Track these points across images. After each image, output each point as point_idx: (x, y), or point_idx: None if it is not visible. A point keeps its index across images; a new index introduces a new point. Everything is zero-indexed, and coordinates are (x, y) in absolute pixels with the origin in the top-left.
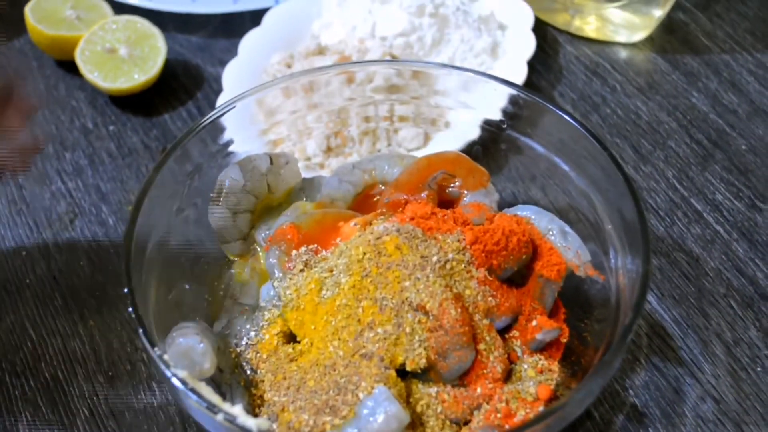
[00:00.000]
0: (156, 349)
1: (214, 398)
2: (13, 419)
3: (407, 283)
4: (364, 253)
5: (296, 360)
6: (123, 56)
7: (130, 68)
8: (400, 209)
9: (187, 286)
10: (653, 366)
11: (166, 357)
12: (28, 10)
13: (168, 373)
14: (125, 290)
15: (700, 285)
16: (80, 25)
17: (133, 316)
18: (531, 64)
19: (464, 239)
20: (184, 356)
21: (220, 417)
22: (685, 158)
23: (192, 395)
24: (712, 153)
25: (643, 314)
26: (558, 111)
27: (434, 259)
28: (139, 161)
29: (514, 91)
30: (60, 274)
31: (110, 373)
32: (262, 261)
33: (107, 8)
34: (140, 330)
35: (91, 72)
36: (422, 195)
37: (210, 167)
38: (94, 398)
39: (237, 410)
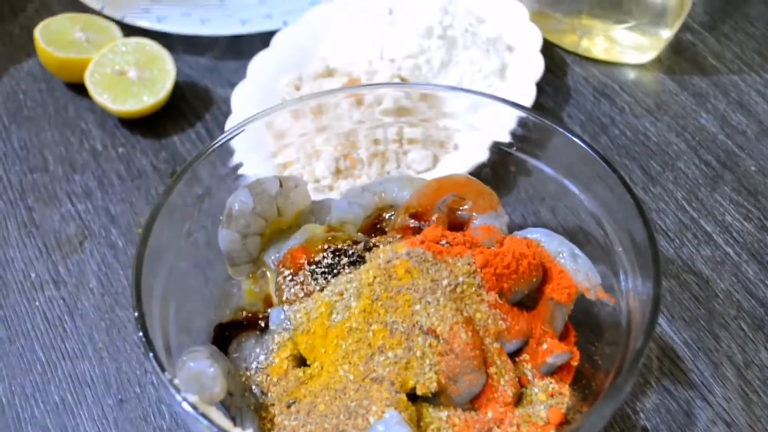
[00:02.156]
0: (166, 373)
1: (225, 423)
2: None
3: (417, 307)
4: (375, 277)
5: (306, 383)
6: (132, 78)
7: (140, 90)
8: (411, 234)
9: (196, 309)
10: (664, 389)
11: (176, 381)
12: (37, 32)
13: (178, 398)
14: (135, 314)
15: (711, 307)
16: (89, 47)
17: (143, 340)
18: (539, 85)
19: (474, 262)
20: (194, 380)
21: None
22: (694, 179)
23: (202, 420)
24: (721, 174)
25: (653, 337)
26: (567, 133)
27: (444, 282)
28: (149, 183)
29: (522, 113)
30: (69, 296)
31: (119, 396)
32: (271, 284)
33: (116, 30)
34: (150, 354)
35: (101, 94)
36: (433, 219)
37: (219, 190)
38: (104, 421)
39: None
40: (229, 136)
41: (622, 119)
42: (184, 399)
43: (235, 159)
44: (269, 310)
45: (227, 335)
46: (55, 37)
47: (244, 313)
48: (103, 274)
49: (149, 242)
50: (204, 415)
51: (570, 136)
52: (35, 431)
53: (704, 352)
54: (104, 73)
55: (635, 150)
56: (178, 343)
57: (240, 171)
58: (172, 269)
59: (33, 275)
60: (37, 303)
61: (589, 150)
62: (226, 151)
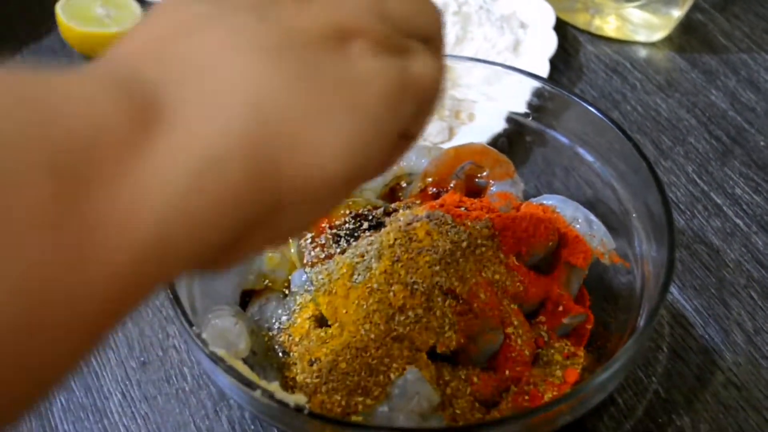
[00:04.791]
0: (194, 328)
1: (252, 375)
2: (48, 403)
3: (437, 268)
4: (395, 239)
5: (328, 343)
6: None
7: None
8: (429, 200)
9: (220, 274)
10: (675, 354)
11: (204, 336)
12: (58, 7)
13: (206, 352)
14: None
15: (721, 276)
16: (110, 22)
17: (171, 296)
18: (552, 62)
19: (493, 226)
20: (219, 337)
21: (257, 393)
22: (704, 154)
23: (230, 372)
24: (731, 149)
25: (665, 304)
26: (583, 103)
27: (464, 244)
28: None
29: (538, 84)
30: None
31: (142, 359)
32: (291, 248)
33: (136, 7)
34: (178, 310)
35: None
36: (451, 185)
37: None
38: (127, 382)
39: (274, 387)
40: None
41: (633, 96)
42: (213, 353)
43: None
44: (291, 275)
45: (248, 301)
46: (76, 13)
47: (266, 281)
48: None
49: None
50: (232, 368)
51: (586, 105)
52: (61, 393)
53: (714, 319)
54: None
55: (647, 125)
56: (203, 306)
57: None
58: None
59: None
60: None
61: (605, 119)
62: None
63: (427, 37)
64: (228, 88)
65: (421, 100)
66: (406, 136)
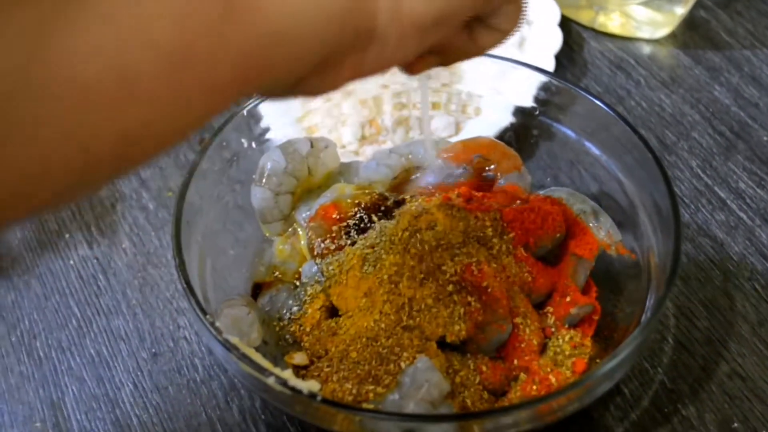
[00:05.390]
0: (208, 316)
1: (265, 362)
2: (61, 393)
3: (447, 259)
4: (405, 230)
5: (339, 333)
6: None
7: None
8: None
9: (231, 267)
10: (681, 345)
11: (218, 324)
12: None
13: (220, 340)
14: (176, 261)
15: (725, 269)
16: None
17: (184, 285)
18: (557, 58)
19: (502, 217)
20: (233, 326)
21: (271, 380)
22: (708, 149)
23: (245, 360)
24: (734, 144)
25: (670, 296)
26: (590, 97)
27: (473, 236)
28: (178, 149)
29: (545, 78)
30: (103, 255)
31: (153, 350)
32: (302, 240)
33: None
34: (192, 300)
35: None
36: (458, 171)
37: (248, 154)
38: (138, 373)
39: (287, 374)
40: (257, 102)
41: (638, 92)
42: (227, 340)
43: (263, 124)
44: (302, 267)
45: (259, 293)
46: None
47: (276, 273)
48: (135, 234)
49: (186, 200)
50: (245, 356)
51: (592, 99)
52: (72, 382)
53: (719, 311)
54: None
55: (651, 121)
56: (215, 297)
57: (267, 136)
58: (206, 230)
59: (67, 236)
60: (72, 262)
61: (612, 113)
62: (254, 117)
63: None
64: None
65: None
66: (490, 26)
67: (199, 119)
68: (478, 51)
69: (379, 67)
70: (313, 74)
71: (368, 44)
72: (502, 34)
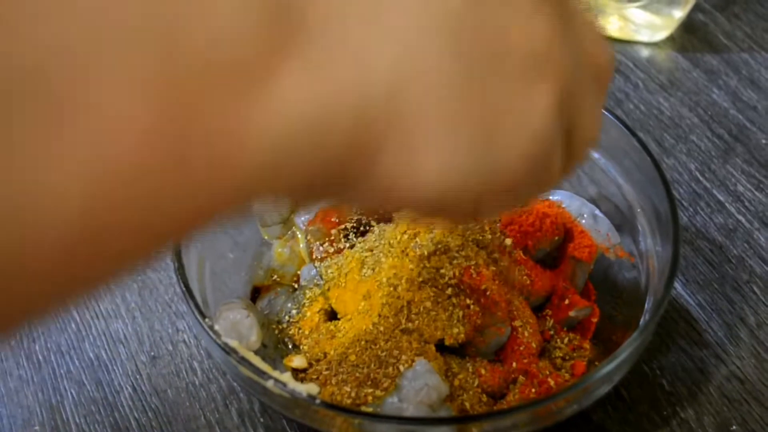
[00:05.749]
0: (207, 320)
1: (264, 366)
2: (59, 396)
3: (446, 261)
4: (404, 233)
5: (337, 336)
6: None
7: None
8: None
9: (230, 270)
10: (679, 348)
11: (216, 328)
12: None
13: (219, 343)
14: (175, 265)
15: (724, 271)
16: None
17: (183, 288)
18: None
19: (500, 220)
20: (231, 329)
21: (270, 383)
22: (706, 152)
23: (243, 363)
24: (733, 147)
25: (669, 299)
26: None
27: (471, 238)
28: None
29: None
30: None
31: (152, 354)
32: (301, 244)
33: None
34: (191, 302)
35: None
36: None
37: None
38: (137, 376)
39: (287, 377)
40: None
41: (636, 95)
42: (226, 344)
43: None
44: (301, 270)
45: (258, 296)
46: None
47: (275, 276)
48: None
49: None
50: (245, 359)
51: None
52: (71, 385)
53: (718, 314)
54: None
55: (649, 124)
56: (214, 300)
57: None
58: (205, 233)
59: None
60: None
61: (610, 116)
62: None
63: (598, 75)
64: (386, 43)
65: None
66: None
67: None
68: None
69: (356, 202)
70: (293, 199)
71: (350, 188)
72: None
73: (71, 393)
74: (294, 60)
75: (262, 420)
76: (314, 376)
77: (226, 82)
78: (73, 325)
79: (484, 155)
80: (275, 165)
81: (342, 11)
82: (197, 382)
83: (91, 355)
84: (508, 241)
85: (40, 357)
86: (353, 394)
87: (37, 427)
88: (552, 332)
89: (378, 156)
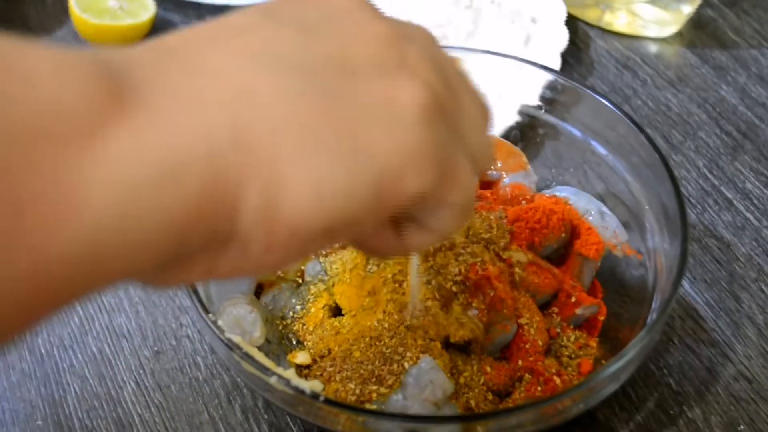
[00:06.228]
0: (210, 315)
1: (268, 362)
2: (62, 391)
3: (452, 258)
4: None
5: (342, 332)
6: None
7: None
8: None
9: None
10: (687, 347)
11: (220, 323)
12: (72, 1)
13: (223, 338)
14: None
15: (732, 269)
16: (123, 14)
17: (187, 284)
18: (563, 56)
19: (506, 217)
20: (235, 325)
21: (274, 380)
22: (715, 148)
23: (247, 359)
24: (741, 144)
25: (676, 297)
26: (596, 95)
27: (478, 235)
28: None
29: (551, 76)
30: None
31: (156, 348)
32: None
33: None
34: (194, 297)
35: None
36: None
37: None
38: (141, 371)
39: (290, 373)
40: None
41: (644, 91)
42: (229, 339)
43: None
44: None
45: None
46: (89, 5)
47: (279, 272)
48: None
49: None
50: (248, 355)
51: (599, 98)
52: (74, 379)
53: (725, 313)
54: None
55: (657, 120)
56: (218, 295)
57: None
58: None
59: None
60: None
61: (618, 112)
62: None
63: (475, 159)
64: (215, 90)
65: (448, 196)
66: (420, 223)
67: None
68: (403, 250)
69: (241, 271)
70: (155, 275)
71: (224, 247)
72: (436, 235)
73: (74, 387)
74: (124, 123)
75: (265, 416)
76: (318, 373)
77: (52, 151)
78: (76, 319)
79: (355, 160)
80: (123, 220)
81: (165, 67)
82: (201, 378)
83: (94, 349)
84: (522, 258)
85: (43, 351)
86: (357, 391)
87: (39, 422)
88: (558, 330)
89: (243, 195)
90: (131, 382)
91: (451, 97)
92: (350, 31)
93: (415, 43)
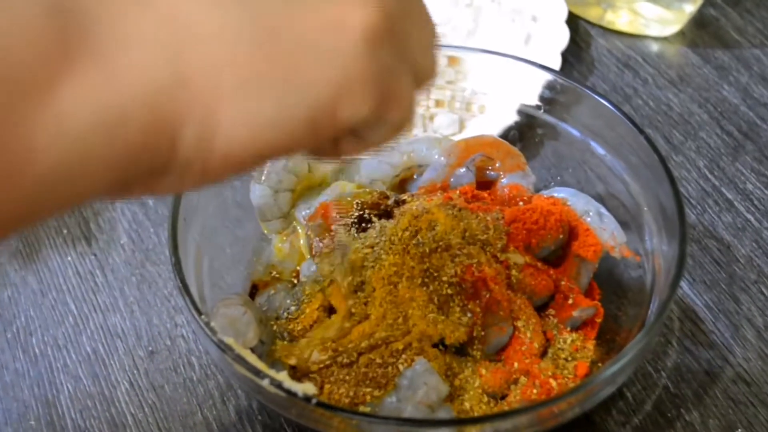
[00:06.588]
0: (203, 316)
1: (260, 364)
2: (56, 391)
3: (447, 259)
4: (405, 230)
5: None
6: None
7: None
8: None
9: (228, 265)
10: (685, 349)
11: (213, 324)
12: None
13: (215, 340)
14: (172, 261)
15: (731, 271)
16: None
17: (180, 285)
18: (563, 55)
19: (503, 217)
20: (229, 326)
21: (265, 382)
22: (716, 149)
23: (239, 361)
24: (742, 144)
25: (675, 299)
26: (595, 96)
27: (474, 236)
28: None
29: (550, 76)
30: (101, 251)
31: (150, 348)
32: (301, 239)
33: None
34: (187, 299)
35: None
36: (461, 172)
37: None
38: (135, 371)
39: (283, 376)
40: None
41: (645, 90)
42: (221, 341)
43: None
44: (300, 266)
45: (256, 292)
46: None
47: (274, 273)
48: (133, 231)
49: (183, 197)
50: (240, 357)
51: (598, 98)
52: (68, 379)
53: (725, 315)
54: None
55: (658, 120)
56: (212, 296)
57: None
58: (204, 227)
59: (65, 231)
60: (69, 258)
61: (618, 112)
62: None
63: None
64: (159, 26)
65: (387, 117)
66: (359, 136)
67: None
68: (337, 156)
69: (180, 190)
70: (109, 194)
71: (164, 174)
72: (372, 146)
73: (67, 387)
74: (72, 76)
75: (260, 417)
76: (313, 374)
77: (5, 104)
78: (71, 319)
79: (291, 97)
80: (74, 165)
81: (122, 6)
82: (195, 378)
83: (88, 349)
84: (519, 260)
85: (37, 350)
86: (351, 394)
87: (32, 422)
88: (555, 332)
89: (181, 131)
90: (125, 382)
91: (402, 16)
92: None
93: None
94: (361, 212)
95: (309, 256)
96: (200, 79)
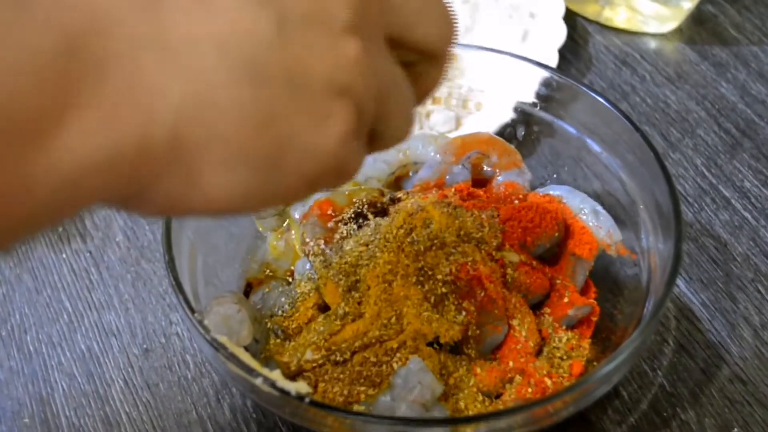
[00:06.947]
0: (196, 314)
1: (253, 363)
2: (50, 388)
3: (442, 257)
4: (400, 228)
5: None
6: None
7: None
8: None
9: (223, 263)
10: (681, 348)
11: (206, 322)
12: None
13: (208, 339)
14: (165, 259)
15: (728, 270)
16: None
17: (173, 283)
18: (561, 52)
19: (498, 215)
20: (222, 324)
21: (259, 381)
22: (713, 146)
23: (232, 360)
24: (740, 141)
25: (671, 297)
26: (591, 93)
27: (469, 234)
28: None
29: (547, 73)
30: (96, 249)
31: (145, 346)
32: (296, 237)
33: None
34: (180, 297)
35: None
36: (456, 170)
37: None
38: (129, 369)
39: (276, 374)
40: None
41: (642, 87)
42: (214, 339)
43: None
44: (295, 264)
45: (250, 290)
46: None
47: (268, 271)
48: (129, 228)
49: None
50: (233, 355)
51: (595, 96)
52: (62, 377)
53: (721, 313)
54: None
55: (655, 117)
56: (206, 294)
57: None
58: (198, 224)
59: (60, 229)
60: (64, 255)
61: (614, 110)
62: None
63: (431, 52)
64: (167, 77)
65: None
66: None
67: None
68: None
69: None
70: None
71: (135, 202)
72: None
73: (62, 385)
74: (82, 106)
75: (254, 415)
76: (306, 373)
77: (11, 135)
78: (65, 316)
79: (268, 180)
80: (67, 195)
81: (138, 50)
82: (190, 376)
83: (83, 347)
84: (515, 258)
85: (31, 348)
86: (345, 392)
87: (26, 420)
88: (550, 331)
89: (156, 183)
90: (119, 380)
91: (378, 103)
92: (318, 45)
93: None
94: (356, 210)
95: (303, 254)
96: (195, 144)
